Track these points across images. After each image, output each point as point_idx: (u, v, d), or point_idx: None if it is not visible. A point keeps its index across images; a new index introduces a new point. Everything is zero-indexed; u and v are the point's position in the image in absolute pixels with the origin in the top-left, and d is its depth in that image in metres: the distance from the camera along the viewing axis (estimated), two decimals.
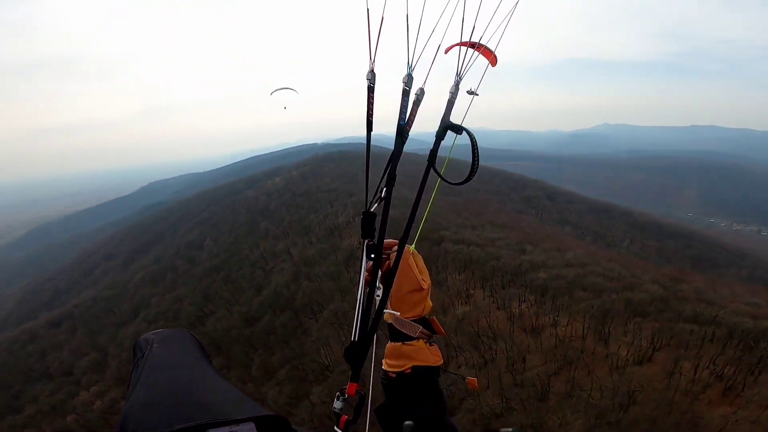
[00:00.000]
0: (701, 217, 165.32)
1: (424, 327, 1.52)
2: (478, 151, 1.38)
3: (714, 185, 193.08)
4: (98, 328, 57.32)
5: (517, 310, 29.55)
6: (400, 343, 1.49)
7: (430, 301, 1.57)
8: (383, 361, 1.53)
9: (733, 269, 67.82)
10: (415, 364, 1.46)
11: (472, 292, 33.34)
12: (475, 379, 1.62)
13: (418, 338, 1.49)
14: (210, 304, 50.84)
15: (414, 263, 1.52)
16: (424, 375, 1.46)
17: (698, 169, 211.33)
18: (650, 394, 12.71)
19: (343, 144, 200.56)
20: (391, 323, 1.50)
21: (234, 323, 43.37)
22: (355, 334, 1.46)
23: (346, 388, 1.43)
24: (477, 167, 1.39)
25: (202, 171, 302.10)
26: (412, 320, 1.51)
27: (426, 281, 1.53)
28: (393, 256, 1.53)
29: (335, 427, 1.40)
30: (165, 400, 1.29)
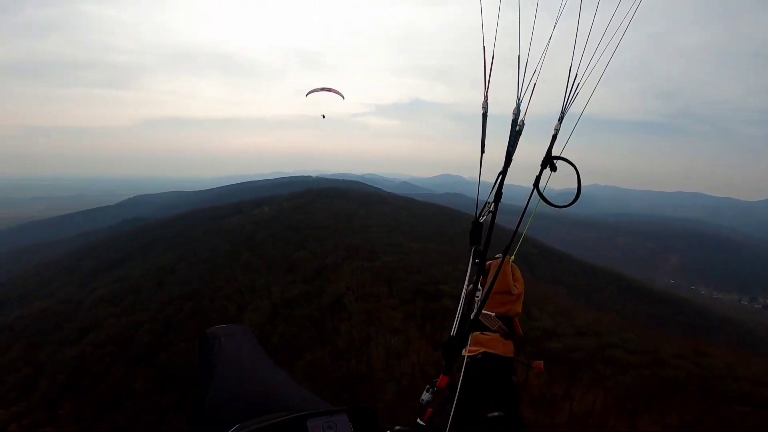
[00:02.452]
0: (683, 284, 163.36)
1: (504, 324, 1.71)
2: (580, 181, 1.55)
3: (696, 253, 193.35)
4: (40, 343, 50.46)
5: (524, 377, 26.30)
6: (480, 332, 1.66)
7: (518, 307, 1.76)
8: (465, 349, 1.59)
9: (722, 336, 65.02)
10: (486, 350, 1.63)
11: None
12: (541, 362, 1.75)
13: (495, 331, 1.69)
14: (171, 334, 45.07)
15: (509, 272, 1.73)
16: (493, 363, 1.61)
17: (681, 236, 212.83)
18: None
19: (338, 180, 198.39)
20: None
21: (193, 359, 37.80)
22: (454, 330, 1.53)
23: (437, 381, 1.50)
24: (579, 194, 1.55)
25: (189, 190, 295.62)
26: (495, 316, 1.69)
27: (518, 288, 1.75)
28: (494, 265, 1.72)
29: (418, 419, 1.46)
30: (249, 393, 1.42)
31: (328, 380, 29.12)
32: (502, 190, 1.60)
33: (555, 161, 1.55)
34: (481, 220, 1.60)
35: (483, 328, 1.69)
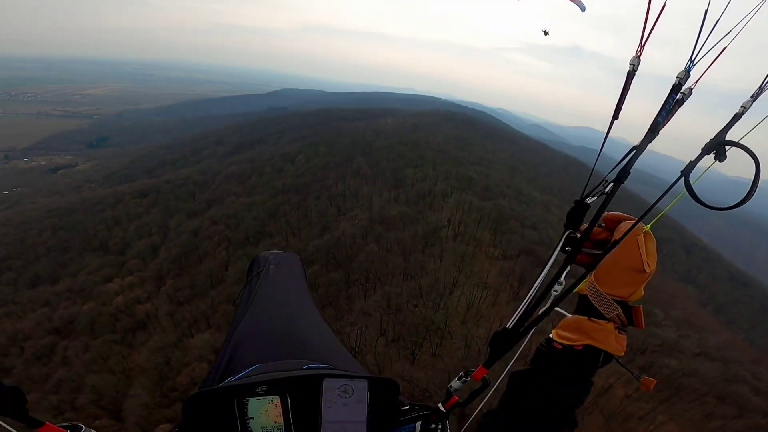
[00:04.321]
0: None
1: (623, 311, 1.26)
2: (758, 178, 1.16)
3: None
4: (174, 209, 57.88)
5: (609, 384, 23.46)
6: (586, 318, 1.27)
7: (642, 290, 1.29)
8: (554, 330, 1.31)
9: None
10: (591, 344, 1.24)
11: None
12: (654, 381, 1.32)
13: (609, 320, 1.25)
14: (272, 224, 47.31)
15: (642, 242, 1.25)
16: (593, 359, 1.24)
17: None
18: None
19: (467, 108, 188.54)
20: (584, 295, 1.30)
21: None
22: (512, 321, 1.31)
23: (473, 371, 1.36)
24: (752, 195, 1.17)
25: (328, 91, 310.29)
26: (613, 299, 1.25)
27: (651, 266, 1.26)
28: (621, 228, 1.28)
29: (440, 404, 1.39)
30: (276, 335, 1.46)
31: (398, 319, 26.85)
32: (630, 170, 1.24)
33: (727, 148, 1.17)
34: (589, 201, 1.26)
35: (594, 314, 1.26)
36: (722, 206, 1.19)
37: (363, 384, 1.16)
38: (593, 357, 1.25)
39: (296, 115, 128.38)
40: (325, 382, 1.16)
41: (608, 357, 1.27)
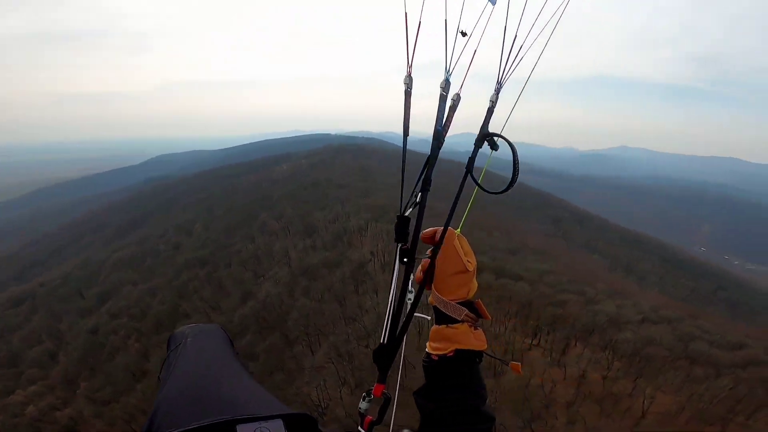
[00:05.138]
0: (714, 253, 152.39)
1: (468, 310, 1.42)
2: (518, 162, 1.37)
3: (730, 221, 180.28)
4: (60, 312, 49.43)
5: (582, 371, 23.92)
6: (444, 326, 1.41)
7: (475, 283, 1.46)
8: (427, 344, 1.44)
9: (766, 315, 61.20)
10: (458, 347, 1.39)
11: (527, 347, 25.75)
12: (519, 363, 1.52)
13: (462, 321, 1.41)
14: (185, 304, 42.65)
15: (459, 245, 1.43)
16: (465, 359, 1.38)
17: (715, 202, 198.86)
18: None
19: (358, 138, 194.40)
20: (435, 306, 1.43)
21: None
22: (384, 336, 1.42)
23: (372, 389, 1.43)
24: (516, 178, 1.35)
25: (211, 149, 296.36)
26: (456, 303, 1.41)
27: (471, 263, 1.45)
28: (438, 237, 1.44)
29: (359, 427, 1.44)
30: (194, 395, 1.37)
31: (354, 365, 25.65)
32: (431, 177, 1.41)
33: (494, 139, 1.37)
34: (407, 213, 1.38)
35: (449, 320, 1.39)
36: (497, 191, 1.37)
37: (278, 423, 1.12)
38: (466, 358, 1.34)
39: (181, 181, 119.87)
40: (240, 427, 1.09)
41: (479, 352, 1.38)
